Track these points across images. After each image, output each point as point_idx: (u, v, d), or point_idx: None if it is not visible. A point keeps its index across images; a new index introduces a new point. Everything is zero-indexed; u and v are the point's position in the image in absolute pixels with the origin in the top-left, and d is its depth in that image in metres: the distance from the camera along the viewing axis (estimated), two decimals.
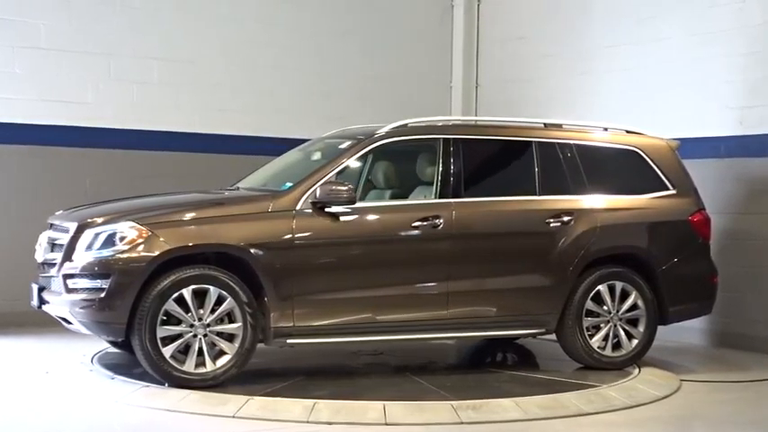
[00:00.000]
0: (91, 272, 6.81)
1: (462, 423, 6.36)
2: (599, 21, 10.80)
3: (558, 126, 8.24)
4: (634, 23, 10.36)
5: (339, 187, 7.16)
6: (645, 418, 6.77)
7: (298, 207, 7.15)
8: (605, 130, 8.44)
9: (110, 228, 6.88)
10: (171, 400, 6.58)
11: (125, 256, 6.75)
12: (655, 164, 8.24)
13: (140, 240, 6.77)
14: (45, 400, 6.77)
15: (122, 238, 6.80)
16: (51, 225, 7.45)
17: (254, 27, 11.06)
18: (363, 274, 7.35)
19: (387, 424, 6.30)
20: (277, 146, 9.34)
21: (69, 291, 6.89)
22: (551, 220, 7.78)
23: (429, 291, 7.46)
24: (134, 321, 6.72)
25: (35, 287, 7.24)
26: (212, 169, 10.25)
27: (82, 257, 6.89)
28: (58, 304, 7.01)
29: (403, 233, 7.44)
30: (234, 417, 6.33)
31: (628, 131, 8.41)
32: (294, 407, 6.46)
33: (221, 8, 10.91)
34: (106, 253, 6.80)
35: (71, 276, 6.90)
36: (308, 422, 6.27)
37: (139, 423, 6.29)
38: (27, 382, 7.27)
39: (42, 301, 7.16)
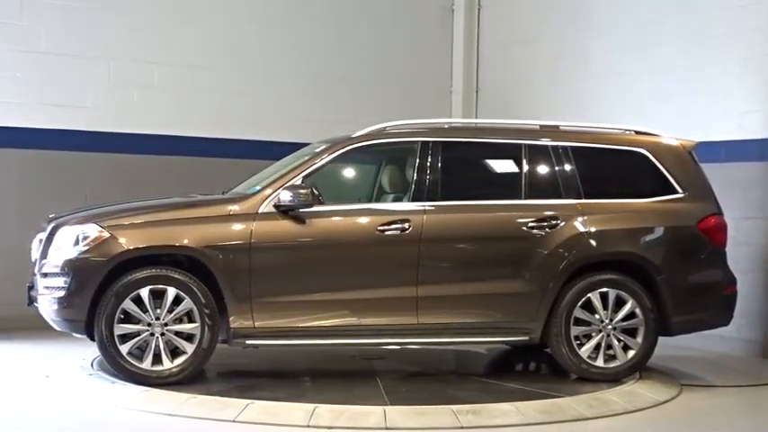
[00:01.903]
0: (58, 271, 7.08)
1: (462, 428, 6.35)
2: (599, 25, 10.81)
3: (555, 128, 8.00)
4: (634, 28, 10.37)
5: (299, 191, 7.17)
6: (645, 422, 6.77)
7: (260, 210, 7.21)
8: (627, 131, 8.10)
9: (76, 229, 7.13)
10: (171, 405, 6.59)
11: (85, 256, 7.01)
12: (663, 166, 7.84)
13: (100, 241, 7.02)
14: (45, 405, 6.76)
15: (85, 239, 7.05)
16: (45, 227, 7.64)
17: (254, 31, 11.08)
18: (324, 277, 7.30)
19: (387, 428, 6.29)
20: (278, 150, 9.33)
21: (43, 288, 7.18)
22: (533, 225, 7.49)
23: (396, 296, 7.33)
24: (94, 319, 6.98)
25: (27, 286, 7.49)
26: (213, 173, 10.27)
27: (53, 257, 7.16)
28: (39, 302, 7.26)
29: (367, 237, 7.33)
30: (234, 421, 6.33)
31: (637, 132, 8.06)
32: (294, 411, 6.45)
33: (221, 12, 10.93)
34: (71, 253, 7.06)
35: (45, 275, 7.18)
36: (308, 426, 6.27)
37: (140, 427, 6.29)
38: (27, 386, 7.28)
39: (30, 300, 7.39)
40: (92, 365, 7.67)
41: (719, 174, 9.17)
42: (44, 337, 8.65)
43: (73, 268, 7.02)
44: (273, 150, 9.65)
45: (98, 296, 6.97)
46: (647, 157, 7.87)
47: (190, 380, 7.04)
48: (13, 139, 9.74)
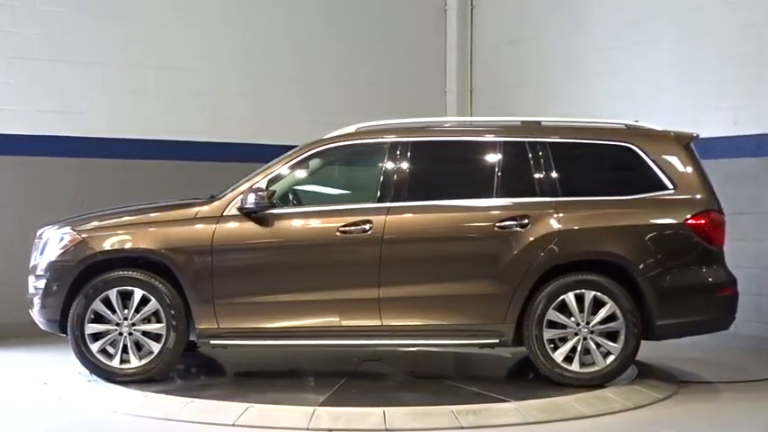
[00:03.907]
0: (38, 274, 7.45)
1: (463, 428, 6.35)
2: (592, 24, 10.82)
3: (536, 124, 7.70)
4: (627, 26, 10.38)
5: (260, 193, 7.25)
6: (644, 420, 6.77)
7: (224, 213, 7.31)
8: (621, 125, 7.74)
9: (56, 233, 7.45)
10: (170, 410, 6.58)
11: (59, 259, 7.35)
12: (652, 160, 7.42)
13: (72, 245, 7.34)
14: (44, 411, 6.76)
15: (60, 243, 7.37)
16: None
17: (248, 34, 11.08)
18: (286, 279, 7.32)
19: (387, 430, 6.30)
20: (273, 152, 9.29)
21: (33, 289, 7.50)
22: (501, 224, 7.26)
23: (357, 297, 7.27)
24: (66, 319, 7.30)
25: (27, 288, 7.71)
26: (208, 177, 10.21)
27: (36, 261, 7.52)
28: (31, 303, 7.53)
29: (327, 238, 7.32)
30: (233, 425, 6.34)
31: (628, 126, 7.67)
32: (294, 414, 6.44)
33: (215, 16, 10.92)
34: (50, 256, 7.40)
35: (35, 278, 7.49)
36: (308, 429, 6.27)
37: None
38: (26, 393, 7.28)
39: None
40: (90, 372, 7.66)
41: (714, 169, 9.17)
42: (42, 343, 8.66)
43: (50, 270, 7.36)
44: (268, 153, 9.57)
45: (72, 297, 7.25)
46: (635, 152, 7.47)
47: (157, 377, 7.21)
48: (7, 146, 9.73)
